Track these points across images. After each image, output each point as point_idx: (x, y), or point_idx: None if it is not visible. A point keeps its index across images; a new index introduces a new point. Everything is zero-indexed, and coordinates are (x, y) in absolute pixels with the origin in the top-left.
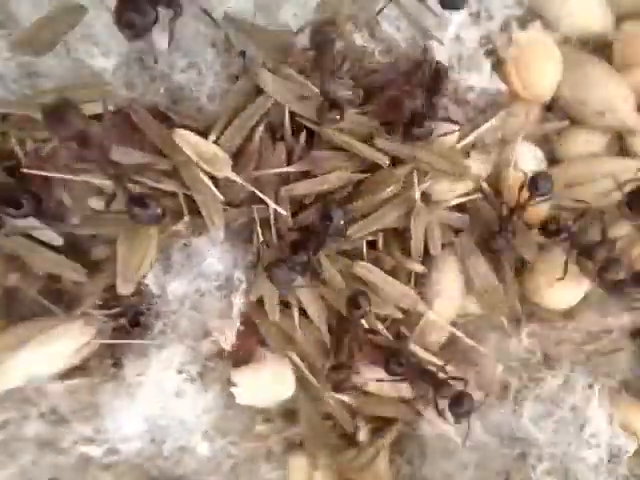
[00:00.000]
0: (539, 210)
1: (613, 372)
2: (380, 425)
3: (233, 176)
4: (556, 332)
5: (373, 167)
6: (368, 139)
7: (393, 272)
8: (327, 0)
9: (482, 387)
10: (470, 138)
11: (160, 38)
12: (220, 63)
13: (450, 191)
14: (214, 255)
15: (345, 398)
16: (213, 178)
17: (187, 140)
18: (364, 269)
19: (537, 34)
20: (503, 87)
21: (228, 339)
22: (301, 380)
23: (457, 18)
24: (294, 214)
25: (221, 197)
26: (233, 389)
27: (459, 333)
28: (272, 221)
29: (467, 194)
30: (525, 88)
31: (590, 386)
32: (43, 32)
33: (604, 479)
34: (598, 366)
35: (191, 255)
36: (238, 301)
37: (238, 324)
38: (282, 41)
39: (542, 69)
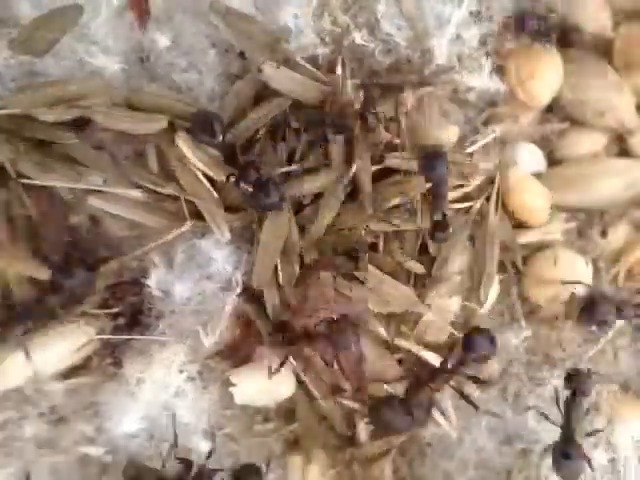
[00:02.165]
0: (538, 212)
1: (613, 371)
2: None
3: (232, 181)
4: (556, 331)
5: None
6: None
7: (393, 273)
8: (326, 0)
9: (482, 386)
10: (473, 148)
11: (160, 38)
12: (220, 63)
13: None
14: (217, 256)
15: (348, 402)
16: (213, 180)
17: (188, 143)
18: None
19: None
20: (503, 88)
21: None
22: (300, 379)
23: (457, 18)
24: (295, 214)
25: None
26: (231, 389)
27: (458, 334)
28: None
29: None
30: (525, 93)
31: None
32: (41, 32)
33: (608, 477)
34: (598, 365)
35: (194, 256)
36: (232, 299)
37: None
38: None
39: (542, 75)
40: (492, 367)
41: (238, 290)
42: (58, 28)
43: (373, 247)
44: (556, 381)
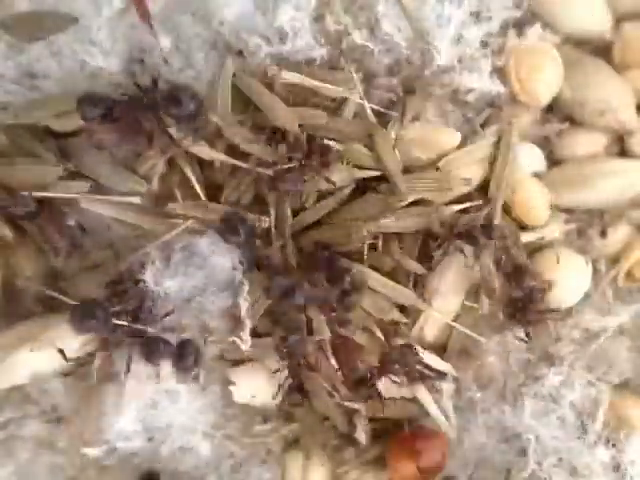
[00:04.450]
0: (539, 212)
1: (613, 370)
2: (381, 425)
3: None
4: (556, 330)
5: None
6: None
7: (393, 273)
8: (325, 1)
9: (481, 385)
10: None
11: (161, 37)
12: (219, 63)
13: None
14: (216, 255)
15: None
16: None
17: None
18: (360, 272)
19: (533, 41)
20: (502, 89)
21: (245, 341)
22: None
23: (457, 18)
24: (295, 215)
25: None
26: (231, 387)
27: (460, 327)
28: (272, 223)
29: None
30: (525, 93)
31: (590, 383)
32: (31, 24)
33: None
34: (598, 363)
35: (192, 255)
36: (244, 302)
37: (249, 324)
38: None
39: (541, 75)
40: (492, 366)
41: (242, 291)
42: (47, 27)
43: (373, 247)
44: (556, 378)
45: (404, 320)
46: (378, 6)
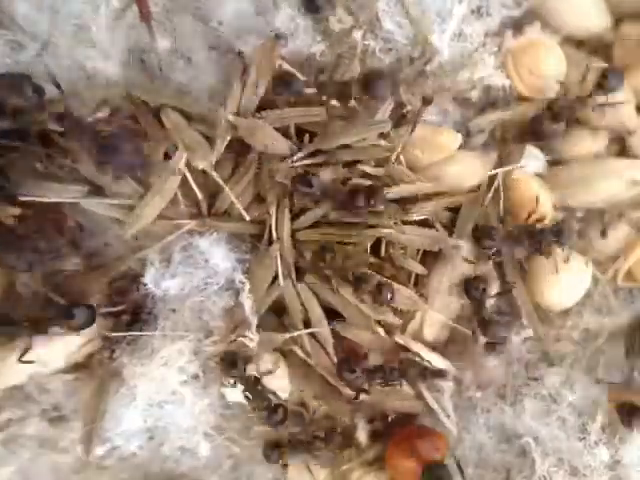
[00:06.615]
0: (543, 212)
1: (612, 370)
2: (381, 426)
3: (210, 170)
4: (555, 330)
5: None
6: None
7: (394, 274)
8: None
9: (481, 385)
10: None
11: (160, 38)
12: (219, 63)
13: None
14: (216, 256)
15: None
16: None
17: (173, 120)
18: None
19: (533, 36)
20: (508, 83)
21: (253, 339)
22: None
23: (459, 14)
24: (295, 217)
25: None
26: (223, 389)
27: (460, 327)
28: (273, 224)
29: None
30: (528, 88)
31: (590, 383)
32: None
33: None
34: (597, 364)
35: (192, 255)
36: (247, 300)
37: (255, 322)
38: None
39: (543, 66)
40: (496, 370)
41: (243, 290)
42: None
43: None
44: (556, 379)
45: (397, 322)
46: (378, 4)
